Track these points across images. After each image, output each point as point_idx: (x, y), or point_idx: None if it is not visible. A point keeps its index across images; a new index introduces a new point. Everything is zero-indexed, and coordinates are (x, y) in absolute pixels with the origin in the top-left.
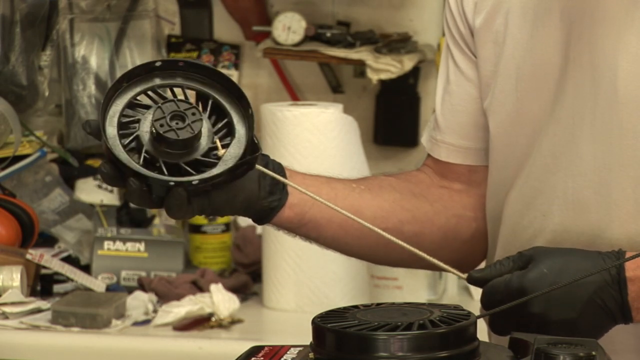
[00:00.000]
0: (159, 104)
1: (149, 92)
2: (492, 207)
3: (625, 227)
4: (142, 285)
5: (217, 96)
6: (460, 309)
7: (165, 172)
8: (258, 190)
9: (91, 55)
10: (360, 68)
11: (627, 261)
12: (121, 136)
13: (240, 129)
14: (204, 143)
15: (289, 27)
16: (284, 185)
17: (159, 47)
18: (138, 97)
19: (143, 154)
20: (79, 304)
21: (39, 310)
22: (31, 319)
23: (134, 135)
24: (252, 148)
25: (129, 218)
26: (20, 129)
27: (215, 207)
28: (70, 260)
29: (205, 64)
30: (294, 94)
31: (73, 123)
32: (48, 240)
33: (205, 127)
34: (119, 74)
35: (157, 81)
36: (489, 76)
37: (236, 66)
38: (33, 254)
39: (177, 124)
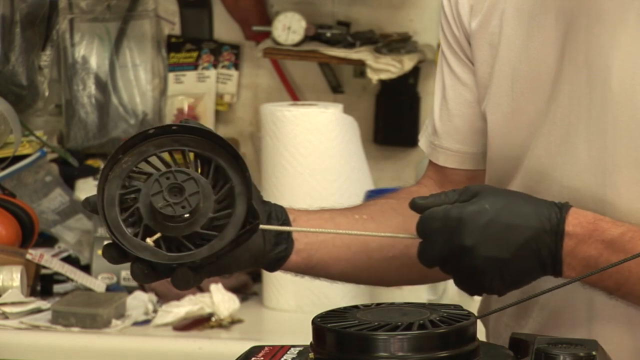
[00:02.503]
0: (157, 176)
1: (150, 160)
2: None
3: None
4: (142, 285)
5: (218, 159)
6: (460, 309)
7: (163, 247)
8: (263, 244)
9: (91, 55)
10: (360, 68)
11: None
12: (122, 210)
13: (240, 193)
14: (205, 211)
15: (289, 27)
16: (289, 234)
17: (159, 47)
18: (137, 167)
19: (142, 230)
20: (79, 304)
21: (39, 310)
22: (31, 319)
23: (134, 208)
24: (252, 212)
25: None
26: (20, 129)
27: (223, 270)
28: (70, 260)
29: (200, 126)
30: (294, 94)
31: (73, 123)
32: (48, 240)
33: (208, 193)
34: (119, 74)
35: (152, 150)
36: (486, 78)
37: (236, 66)
38: (33, 254)
39: (175, 196)
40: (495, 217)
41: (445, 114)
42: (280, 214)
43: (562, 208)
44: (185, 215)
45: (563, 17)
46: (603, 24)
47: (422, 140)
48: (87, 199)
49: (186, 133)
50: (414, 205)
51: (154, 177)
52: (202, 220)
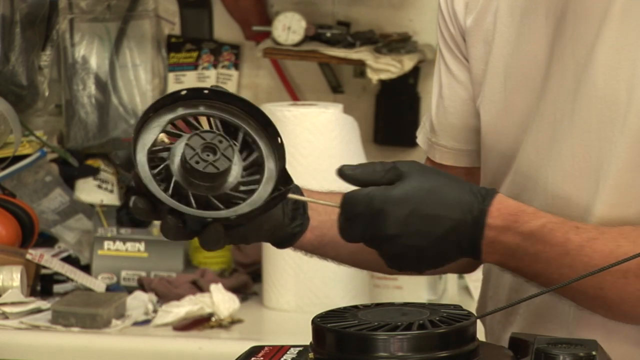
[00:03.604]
0: (190, 136)
1: (178, 122)
2: None
3: (603, 222)
4: (142, 285)
5: (246, 127)
6: (460, 309)
7: (194, 205)
8: (282, 217)
9: (91, 55)
10: (360, 68)
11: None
12: (151, 167)
13: (269, 159)
14: (234, 174)
15: (289, 27)
16: (305, 210)
17: (159, 47)
18: (167, 128)
19: (172, 186)
20: (79, 304)
21: (39, 310)
22: (31, 319)
23: (164, 165)
24: (284, 178)
25: (129, 218)
26: (20, 129)
27: (244, 237)
28: (70, 260)
29: (231, 92)
30: (294, 94)
31: (73, 123)
32: (48, 240)
33: (236, 157)
34: (119, 74)
35: (182, 111)
36: (480, 75)
37: (236, 66)
38: (33, 254)
39: (208, 155)
40: (417, 207)
41: (442, 112)
42: (295, 191)
43: (486, 197)
44: (216, 173)
45: (553, 13)
46: (588, 20)
47: (420, 137)
48: (116, 152)
49: (217, 99)
50: (342, 174)
51: (185, 136)
52: (232, 183)
